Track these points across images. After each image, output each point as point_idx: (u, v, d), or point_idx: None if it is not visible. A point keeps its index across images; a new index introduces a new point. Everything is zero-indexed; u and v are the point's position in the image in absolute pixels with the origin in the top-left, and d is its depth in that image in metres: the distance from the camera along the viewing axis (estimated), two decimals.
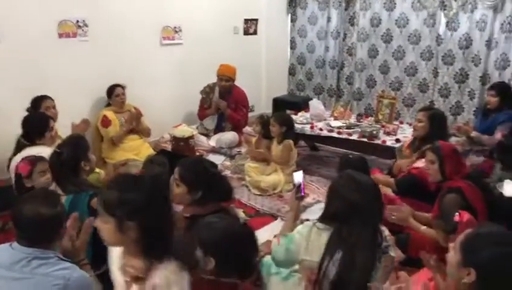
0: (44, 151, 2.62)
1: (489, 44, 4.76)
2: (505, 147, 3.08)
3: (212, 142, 4.77)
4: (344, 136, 4.13)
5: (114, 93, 4.17)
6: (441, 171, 2.56)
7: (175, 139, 4.39)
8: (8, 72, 3.71)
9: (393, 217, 2.58)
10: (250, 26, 5.91)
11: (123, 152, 4.05)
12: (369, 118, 4.64)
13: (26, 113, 3.29)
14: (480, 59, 4.85)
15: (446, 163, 2.55)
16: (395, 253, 2.07)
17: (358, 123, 4.40)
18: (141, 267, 1.43)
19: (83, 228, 1.80)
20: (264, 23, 6.04)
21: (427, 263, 1.91)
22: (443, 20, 5.00)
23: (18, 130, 3.11)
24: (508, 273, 1.38)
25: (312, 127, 4.35)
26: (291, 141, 3.90)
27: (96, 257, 1.88)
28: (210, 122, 4.94)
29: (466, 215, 2.04)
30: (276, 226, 3.16)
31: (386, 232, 1.96)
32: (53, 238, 1.66)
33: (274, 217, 3.46)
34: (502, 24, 4.63)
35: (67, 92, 3.98)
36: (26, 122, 3.06)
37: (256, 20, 5.94)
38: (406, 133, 4.01)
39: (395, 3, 5.30)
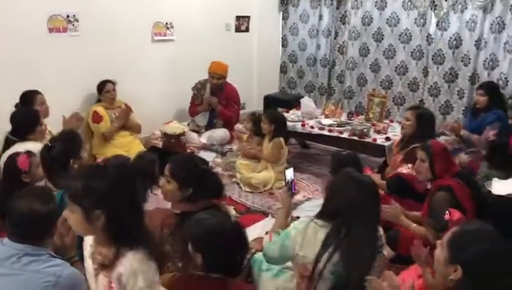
0: (35, 146, 2.59)
1: (478, 44, 4.81)
2: (496, 146, 3.12)
3: (204, 139, 4.76)
4: (335, 134, 4.15)
5: (104, 89, 4.14)
6: (431, 170, 2.59)
7: (166, 136, 4.37)
8: None
9: (385, 215, 2.60)
10: (242, 23, 5.90)
11: (113, 148, 4.01)
12: (360, 116, 4.67)
13: (14, 109, 3.26)
14: (470, 59, 4.89)
15: (436, 161, 2.57)
16: (387, 251, 2.09)
17: (349, 121, 4.43)
18: (108, 255, 1.44)
19: (58, 223, 1.78)
20: (256, 21, 6.03)
21: (417, 258, 1.93)
22: (433, 20, 5.04)
23: (7, 126, 3.07)
24: (493, 270, 1.40)
25: (303, 125, 4.36)
26: (281, 139, 3.90)
27: None
28: (201, 119, 4.93)
29: (456, 214, 2.06)
30: (267, 223, 3.16)
31: (380, 231, 1.98)
32: (45, 235, 1.65)
33: (265, 214, 3.47)
34: (492, 24, 4.67)
35: (57, 87, 3.93)
36: (15, 118, 3.02)
37: (248, 17, 5.93)
38: (396, 132, 4.04)
39: (386, 3, 5.32)
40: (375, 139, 3.94)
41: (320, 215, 1.93)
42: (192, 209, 1.95)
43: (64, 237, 1.78)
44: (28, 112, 3.10)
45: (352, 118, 4.54)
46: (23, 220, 1.61)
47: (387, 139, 3.93)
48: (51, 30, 3.97)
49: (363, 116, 4.57)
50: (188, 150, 4.47)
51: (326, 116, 4.60)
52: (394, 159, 3.43)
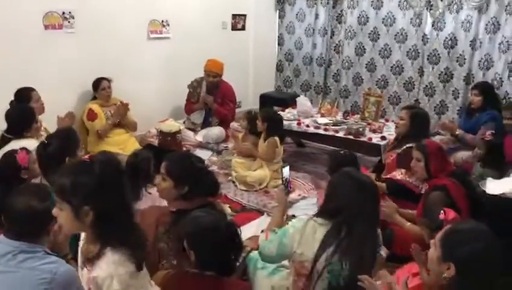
0: (31, 143, 2.59)
1: (473, 44, 4.83)
2: (493, 146, 3.14)
3: (199, 137, 4.76)
4: (330, 133, 4.16)
5: (100, 87, 4.13)
6: (426, 169, 2.60)
7: (162, 134, 4.36)
8: None
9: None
10: (238, 22, 5.89)
11: (109, 146, 3.99)
12: (356, 115, 4.68)
13: (8, 106, 3.24)
14: (465, 59, 4.92)
15: (431, 161, 2.59)
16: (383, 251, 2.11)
17: (345, 120, 4.44)
18: (93, 252, 1.43)
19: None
20: (252, 19, 6.03)
21: (417, 256, 1.94)
22: (429, 20, 5.06)
23: (2, 123, 3.05)
24: (486, 268, 1.42)
25: (299, 124, 4.37)
26: (276, 138, 3.90)
27: None
28: (197, 117, 4.92)
29: (451, 213, 2.07)
30: (262, 221, 3.17)
31: (378, 231, 1.99)
32: (41, 232, 1.64)
33: (260, 212, 3.48)
34: (487, 25, 4.70)
35: (53, 84, 3.91)
36: (10, 116, 3.00)
37: (245, 15, 5.93)
38: (392, 131, 4.05)
39: (383, 2, 5.34)
40: (370, 139, 3.96)
41: (320, 213, 1.93)
42: (188, 207, 1.95)
43: (58, 234, 1.77)
44: (23, 109, 3.08)
45: (348, 117, 4.56)
46: (19, 217, 1.61)
47: (383, 138, 3.94)
48: (46, 27, 3.94)
49: (359, 116, 4.59)
50: (184, 148, 4.47)
51: (322, 115, 4.61)
52: (387, 157, 3.45)
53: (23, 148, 2.39)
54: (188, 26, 5.15)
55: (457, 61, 4.99)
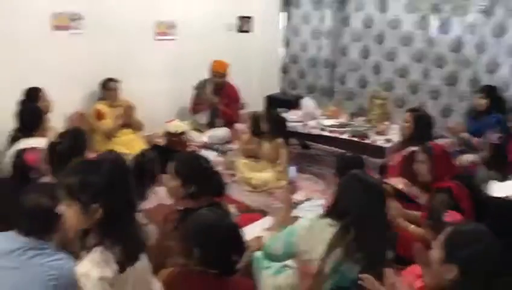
0: (40, 142, 2.62)
1: (479, 47, 4.83)
2: (499, 149, 3.15)
3: (205, 138, 4.78)
4: (335, 135, 4.17)
5: (107, 87, 4.17)
6: (431, 172, 2.61)
7: (168, 135, 4.39)
8: (1, 64, 3.68)
9: None
10: (244, 24, 5.92)
11: (115, 146, 4.00)
12: (361, 117, 4.68)
13: (18, 105, 3.29)
14: (471, 62, 4.92)
15: (437, 163, 2.60)
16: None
17: (350, 122, 4.45)
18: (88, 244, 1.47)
19: None
20: (258, 21, 6.05)
21: (419, 256, 1.95)
22: (435, 23, 5.07)
23: (10, 122, 3.09)
24: (488, 269, 1.44)
25: (303, 126, 4.38)
26: (280, 140, 3.92)
27: None
28: (202, 118, 4.95)
29: (456, 216, 2.09)
30: (266, 222, 3.17)
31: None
32: (50, 229, 1.67)
33: (264, 213, 3.49)
34: (493, 28, 4.70)
35: (60, 84, 3.96)
36: (21, 115, 3.05)
37: (251, 18, 5.96)
38: (396, 134, 4.05)
39: (388, 5, 5.35)
40: (375, 141, 3.96)
41: (328, 214, 1.95)
42: (195, 206, 1.98)
43: (65, 231, 1.80)
44: (33, 109, 3.14)
45: (353, 120, 4.57)
46: (29, 215, 1.64)
47: (388, 140, 3.95)
48: (54, 28, 3.99)
49: (364, 118, 4.59)
50: (189, 149, 4.49)
51: (327, 117, 4.62)
52: (391, 159, 3.46)
53: (32, 148, 2.43)
54: (194, 27, 5.18)
55: (463, 64, 4.99)
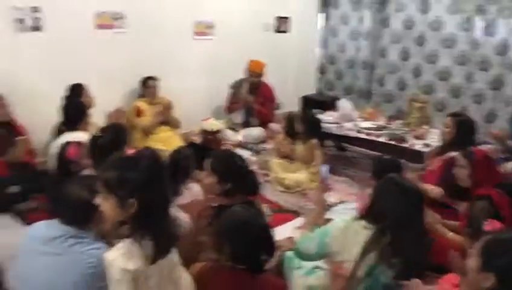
0: (82, 136, 2.73)
1: None
2: None
3: (240, 136, 4.82)
4: (372, 137, 4.10)
5: (147, 85, 4.28)
6: (471, 177, 2.53)
7: (204, 132, 4.45)
8: (47, 60, 3.85)
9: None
10: (281, 24, 5.92)
11: (154, 143, 4.11)
12: (399, 120, 4.59)
13: (63, 100, 3.43)
14: None
15: (477, 169, 2.51)
16: None
17: (388, 125, 4.37)
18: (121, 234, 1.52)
19: None
20: (296, 22, 6.04)
21: (455, 265, 1.90)
22: (480, 25, 4.90)
23: (55, 115, 3.23)
24: None
25: (340, 127, 4.34)
26: (315, 141, 3.89)
27: None
28: (238, 117, 4.99)
29: (496, 224, 2.02)
30: (298, 223, 3.17)
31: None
32: (89, 220, 1.74)
33: (297, 214, 3.48)
34: None
35: (102, 81, 4.09)
36: (66, 110, 3.19)
37: (289, 18, 5.95)
38: (435, 138, 3.95)
39: (430, 6, 5.21)
40: (413, 145, 3.87)
41: (364, 217, 1.93)
42: (229, 203, 2.01)
43: (104, 222, 1.86)
44: (77, 104, 3.27)
45: (391, 122, 4.48)
46: (71, 206, 1.72)
47: (426, 145, 3.84)
48: (98, 26, 4.13)
49: (402, 121, 4.49)
50: (224, 147, 4.53)
51: (365, 119, 4.55)
52: (430, 164, 3.37)
53: (75, 142, 2.53)
54: (232, 28, 5.23)
55: (509, 68, 4.80)
